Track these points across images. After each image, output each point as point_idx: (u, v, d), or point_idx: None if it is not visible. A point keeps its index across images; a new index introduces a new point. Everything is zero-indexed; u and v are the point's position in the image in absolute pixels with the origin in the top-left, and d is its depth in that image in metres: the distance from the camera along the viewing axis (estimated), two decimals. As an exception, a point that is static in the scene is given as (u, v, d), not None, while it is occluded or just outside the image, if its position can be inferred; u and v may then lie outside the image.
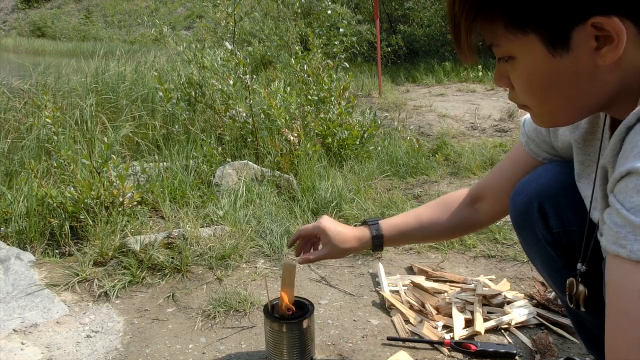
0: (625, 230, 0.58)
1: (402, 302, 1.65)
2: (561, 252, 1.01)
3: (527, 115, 1.09)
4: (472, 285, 1.73)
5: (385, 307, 1.66)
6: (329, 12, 6.89)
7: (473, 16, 0.67)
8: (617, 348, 0.59)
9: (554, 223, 1.00)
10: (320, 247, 1.30)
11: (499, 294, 1.65)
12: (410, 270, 1.92)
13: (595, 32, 0.62)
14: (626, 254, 0.58)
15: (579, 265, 0.93)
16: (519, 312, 1.55)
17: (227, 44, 3.44)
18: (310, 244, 1.33)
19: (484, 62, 8.07)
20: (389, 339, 1.47)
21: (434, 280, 1.80)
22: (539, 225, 1.02)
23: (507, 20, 0.65)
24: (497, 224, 2.26)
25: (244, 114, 3.14)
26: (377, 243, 1.22)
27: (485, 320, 1.53)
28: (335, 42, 4.39)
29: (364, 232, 1.23)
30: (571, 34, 0.63)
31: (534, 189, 1.03)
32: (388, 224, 1.23)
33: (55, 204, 2.16)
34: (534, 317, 1.54)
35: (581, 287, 0.91)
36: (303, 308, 1.36)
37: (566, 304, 1.10)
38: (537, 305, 1.60)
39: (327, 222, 1.24)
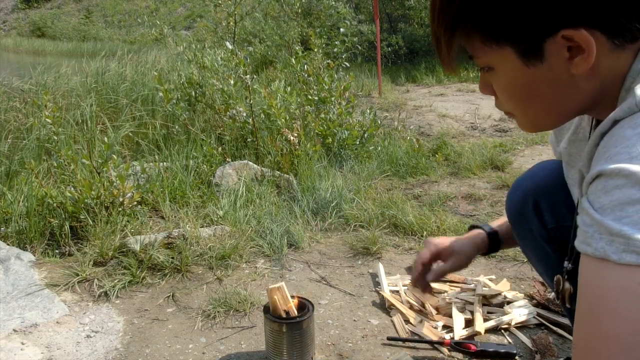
0: (592, 229, 0.60)
1: (402, 302, 1.65)
2: (556, 248, 1.03)
3: None
4: (472, 285, 1.72)
5: (385, 307, 1.66)
6: (332, 12, 6.90)
7: (451, 32, 0.69)
8: (583, 342, 0.61)
9: (548, 219, 1.03)
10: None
11: (499, 294, 1.65)
12: (410, 270, 1.92)
13: (567, 43, 0.64)
14: (591, 251, 0.59)
15: (565, 263, 0.94)
16: (519, 312, 1.55)
17: (227, 43, 3.44)
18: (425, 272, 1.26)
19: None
20: (389, 339, 1.47)
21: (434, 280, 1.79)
22: (534, 221, 1.05)
23: (482, 34, 0.68)
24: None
25: (244, 114, 3.14)
26: (493, 238, 1.21)
27: (485, 320, 1.53)
28: (336, 42, 4.39)
29: (476, 233, 1.22)
30: (543, 46, 0.65)
31: (529, 187, 1.07)
32: (495, 223, 1.24)
33: (55, 204, 2.16)
34: (534, 317, 1.54)
35: (567, 285, 0.92)
36: (303, 308, 1.36)
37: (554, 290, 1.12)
38: (537, 305, 1.60)
39: (439, 239, 1.23)
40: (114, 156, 2.34)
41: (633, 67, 0.65)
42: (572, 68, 0.65)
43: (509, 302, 1.63)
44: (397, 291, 1.72)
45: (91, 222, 2.08)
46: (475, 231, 1.23)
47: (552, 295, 1.61)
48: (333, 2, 7.15)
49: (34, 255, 1.99)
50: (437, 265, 1.23)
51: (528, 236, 1.08)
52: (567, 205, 0.99)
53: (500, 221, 1.25)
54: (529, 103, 0.72)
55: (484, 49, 0.69)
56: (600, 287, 0.58)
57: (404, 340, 1.46)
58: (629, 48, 0.65)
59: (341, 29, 4.43)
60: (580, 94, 0.69)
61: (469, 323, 1.53)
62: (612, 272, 0.57)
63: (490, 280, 1.79)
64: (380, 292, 1.73)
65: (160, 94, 3.21)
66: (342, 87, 3.37)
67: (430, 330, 1.49)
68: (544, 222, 1.03)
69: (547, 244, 1.04)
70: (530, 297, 1.65)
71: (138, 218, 2.20)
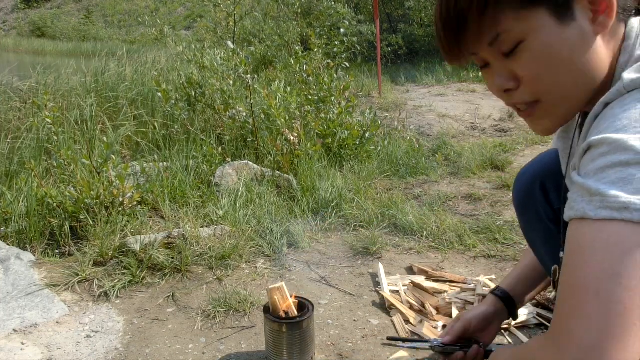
0: (576, 194, 0.65)
1: (402, 302, 1.65)
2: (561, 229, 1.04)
3: None
4: (472, 285, 1.72)
5: (385, 307, 1.66)
6: (331, 12, 6.90)
7: (484, 6, 0.69)
8: (561, 293, 0.64)
9: (554, 199, 1.08)
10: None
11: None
12: (410, 270, 1.92)
13: (590, 6, 0.69)
14: (573, 214, 0.64)
15: (561, 254, 0.95)
16: (519, 312, 1.55)
17: (229, 43, 3.44)
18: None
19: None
20: (389, 339, 1.47)
21: (434, 280, 1.80)
22: (541, 201, 1.09)
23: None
24: (497, 223, 2.26)
25: (244, 114, 3.14)
26: (505, 299, 1.22)
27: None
28: (336, 42, 4.39)
29: (491, 299, 1.23)
30: (573, 5, 0.69)
31: (537, 169, 1.12)
32: (506, 283, 1.26)
33: (55, 204, 2.16)
34: (534, 317, 1.54)
35: None
36: (303, 308, 1.36)
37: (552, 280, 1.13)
38: (537, 305, 1.60)
39: (469, 314, 1.21)
40: (114, 156, 2.34)
41: (620, 59, 0.72)
42: (596, 27, 0.70)
43: (509, 302, 1.63)
44: (397, 291, 1.72)
45: (91, 222, 2.08)
46: (492, 299, 1.24)
47: (552, 295, 1.61)
48: (333, 3, 7.15)
49: (34, 255, 1.99)
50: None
51: (535, 219, 1.12)
52: None
53: (510, 277, 1.26)
54: (563, 70, 0.72)
55: (517, 18, 0.69)
56: (577, 242, 0.63)
57: (404, 340, 1.46)
58: (619, 33, 0.73)
59: (341, 29, 4.43)
60: (600, 64, 0.72)
61: (469, 323, 1.53)
62: (589, 227, 0.62)
63: (490, 280, 1.79)
64: (380, 292, 1.73)
65: (159, 94, 3.20)
66: (342, 87, 3.38)
67: (430, 330, 1.49)
68: (550, 201, 1.08)
69: (554, 224, 1.07)
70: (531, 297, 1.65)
71: (138, 218, 2.20)
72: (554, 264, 1.12)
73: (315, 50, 3.70)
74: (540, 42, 0.70)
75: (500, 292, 1.23)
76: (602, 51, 0.72)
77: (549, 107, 0.76)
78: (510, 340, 1.46)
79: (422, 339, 1.45)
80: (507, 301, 1.22)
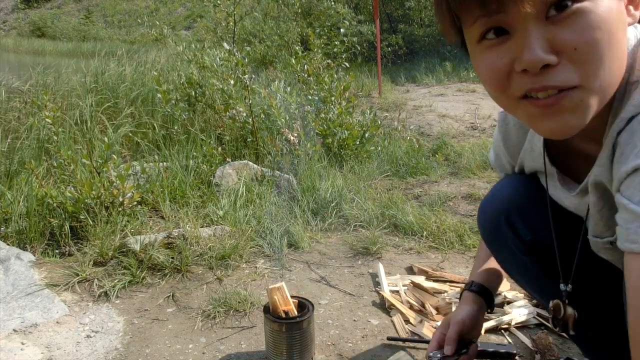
0: (635, 225, 0.58)
1: (402, 302, 1.65)
2: (535, 259, 1.02)
3: (490, 155, 1.13)
4: (472, 285, 1.72)
5: (385, 307, 1.66)
6: (331, 12, 6.90)
7: None
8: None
9: (523, 232, 1.01)
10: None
11: (499, 294, 1.65)
12: (410, 270, 1.92)
13: None
14: (638, 248, 0.58)
15: (562, 286, 0.91)
16: (519, 312, 1.55)
17: (225, 44, 3.44)
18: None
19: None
20: (389, 339, 1.47)
21: (434, 280, 1.80)
22: (510, 237, 1.02)
23: None
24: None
25: (244, 114, 3.14)
26: (483, 293, 1.18)
27: (485, 320, 1.53)
28: (336, 43, 4.39)
29: (469, 297, 1.18)
30: None
31: (497, 206, 1.05)
32: (480, 277, 1.19)
33: (55, 204, 2.16)
34: (534, 317, 1.54)
35: (570, 310, 0.89)
36: (303, 308, 1.36)
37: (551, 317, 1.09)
38: (537, 305, 1.60)
39: (458, 316, 1.15)
40: (114, 156, 2.34)
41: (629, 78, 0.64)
42: (628, 15, 0.63)
43: (509, 302, 1.63)
44: (397, 291, 1.72)
45: (91, 222, 2.08)
46: (470, 296, 1.18)
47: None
48: (333, 3, 7.15)
49: (34, 255, 1.99)
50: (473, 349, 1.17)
51: (506, 252, 1.07)
52: (539, 216, 0.98)
53: (477, 268, 1.22)
54: (616, 48, 0.60)
55: None
56: None
57: (404, 340, 1.46)
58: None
59: (341, 29, 4.43)
60: (623, 52, 0.63)
61: (469, 323, 1.53)
62: None
63: (490, 280, 1.79)
64: (380, 292, 1.73)
65: (159, 95, 3.20)
66: (342, 87, 3.38)
67: (430, 330, 1.49)
68: (519, 236, 1.02)
69: (527, 256, 1.02)
70: (530, 297, 1.65)
71: (138, 218, 2.20)
72: (536, 292, 1.09)
73: (315, 50, 3.70)
74: (602, 7, 0.58)
75: (477, 287, 1.18)
76: (624, 43, 0.62)
77: (585, 97, 0.61)
78: (510, 340, 1.46)
79: (422, 339, 1.45)
80: (485, 295, 1.18)
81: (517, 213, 1.01)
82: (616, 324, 0.92)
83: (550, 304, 0.92)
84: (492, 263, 1.20)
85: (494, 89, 0.67)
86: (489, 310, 1.21)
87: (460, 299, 1.22)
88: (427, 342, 1.44)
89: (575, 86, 0.60)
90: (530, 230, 1.00)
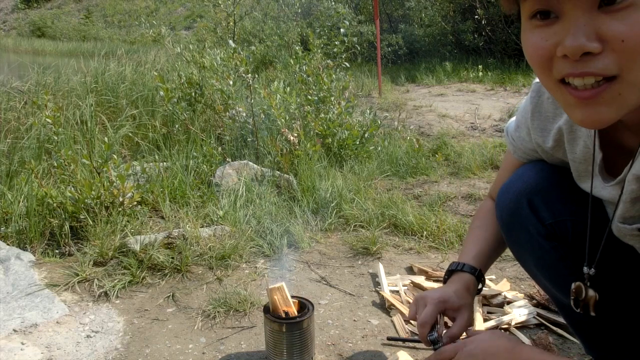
0: None
1: (402, 302, 1.65)
2: (555, 244, 1.02)
3: (510, 124, 1.11)
4: (472, 285, 1.72)
5: (385, 307, 1.66)
6: (332, 12, 6.90)
7: None
8: None
9: (545, 215, 1.01)
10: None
11: (499, 294, 1.65)
12: (410, 270, 1.92)
13: None
14: None
15: (585, 269, 0.92)
16: (519, 312, 1.55)
17: (230, 42, 3.44)
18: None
19: (484, 62, 8.08)
20: (389, 339, 1.47)
21: (434, 280, 1.80)
22: (531, 219, 1.02)
23: None
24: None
25: (244, 114, 3.14)
26: (478, 276, 1.14)
27: (485, 320, 1.53)
28: (336, 43, 4.39)
29: (466, 278, 1.13)
30: None
31: (520, 187, 1.05)
32: (475, 260, 1.15)
33: (55, 204, 2.16)
34: (534, 317, 1.54)
35: (591, 292, 0.90)
36: (303, 308, 1.36)
37: (560, 305, 1.08)
38: (537, 305, 1.60)
39: (433, 294, 1.10)
40: (114, 156, 2.34)
41: None
42: None
43: (509, 302, 1.63)
44: (397, 291, 1.72)
45: (91, 222, 2.08)
46: (462, 276, 1.14)
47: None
48: (333, 3, 7.15)
49: (34, 255, 1.99)
50: (447, 330, 1.10)
51: (524, 237, 1.05)
52: (562, 201, 1.00)
53: (472, 252, 1.17)
54: None
55: None
56: None
57: (404, 340, 1.46)
58: None
59: (341, 29, 4.43)
60: None
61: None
62: None
63: (490, 280, 1.80)
64: (380, 292, 1.73)
65: (161, 93, 3.20)
66: (341, 87, 3.37)
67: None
68: (540, 218, 1.01)
69: (546, 240, 1.02)
70: (530, 297, 1.65)
71: (138, 218, 2.20)
72: (550, 281, 1.07)
73: (314, 50, 3.70)
74: None
75: (470, 269, 1.13)
76: None
77: (624, 89, 0.62)
78: (510, 340, 1.46)
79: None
80: (473, 272, 1.14)
81: (540, 195, 1.02)
82: (635, 308, 0.95)
83: (573, 286, 0.93)
84: (490, 247, 1.17)
85: (537, 68, 0.69)
86: (479, 288, 1.16)
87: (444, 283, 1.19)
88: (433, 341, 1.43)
89: (613, 76, 0.61)
90: (552, 213, 1.00)
